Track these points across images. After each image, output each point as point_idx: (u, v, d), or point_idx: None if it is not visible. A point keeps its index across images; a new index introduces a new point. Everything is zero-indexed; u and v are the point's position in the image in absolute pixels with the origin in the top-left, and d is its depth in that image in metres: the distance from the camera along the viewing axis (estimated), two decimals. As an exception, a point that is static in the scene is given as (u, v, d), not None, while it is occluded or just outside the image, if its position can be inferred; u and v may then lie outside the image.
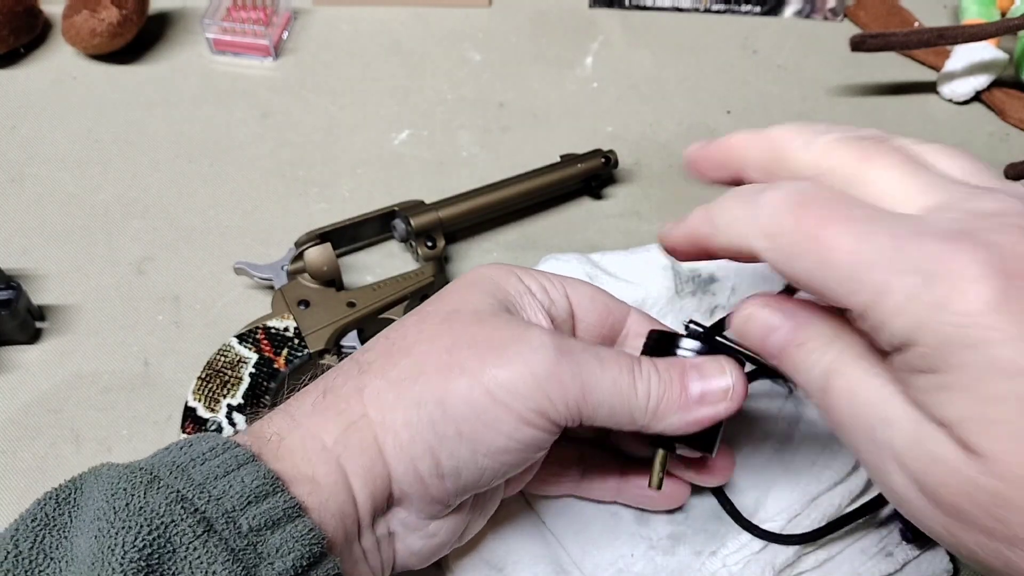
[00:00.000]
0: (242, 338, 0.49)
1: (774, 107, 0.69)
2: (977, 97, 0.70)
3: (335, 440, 0.33)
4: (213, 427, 0.45)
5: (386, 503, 0.34)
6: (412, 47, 0.73)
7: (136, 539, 0.28)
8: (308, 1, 0.75)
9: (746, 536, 0.43)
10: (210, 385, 0.47)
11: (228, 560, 0.29)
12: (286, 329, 0.50)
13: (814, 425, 0.47)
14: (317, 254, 0.51)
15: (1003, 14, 0.72)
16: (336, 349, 0.51)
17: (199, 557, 0.28)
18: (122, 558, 0.27)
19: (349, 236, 0.57)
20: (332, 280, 0.52)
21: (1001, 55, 0.68)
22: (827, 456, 0.46)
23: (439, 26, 0.74)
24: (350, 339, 0.51)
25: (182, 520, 0.29)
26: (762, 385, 0.49)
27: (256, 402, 0.47)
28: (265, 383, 0.48)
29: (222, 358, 0.48)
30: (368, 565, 0.35)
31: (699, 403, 0.35)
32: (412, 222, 0.55)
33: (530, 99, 0.69)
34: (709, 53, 0.74)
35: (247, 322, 0.51)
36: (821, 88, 0.71)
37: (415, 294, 0.53)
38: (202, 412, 0.46)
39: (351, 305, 0.52)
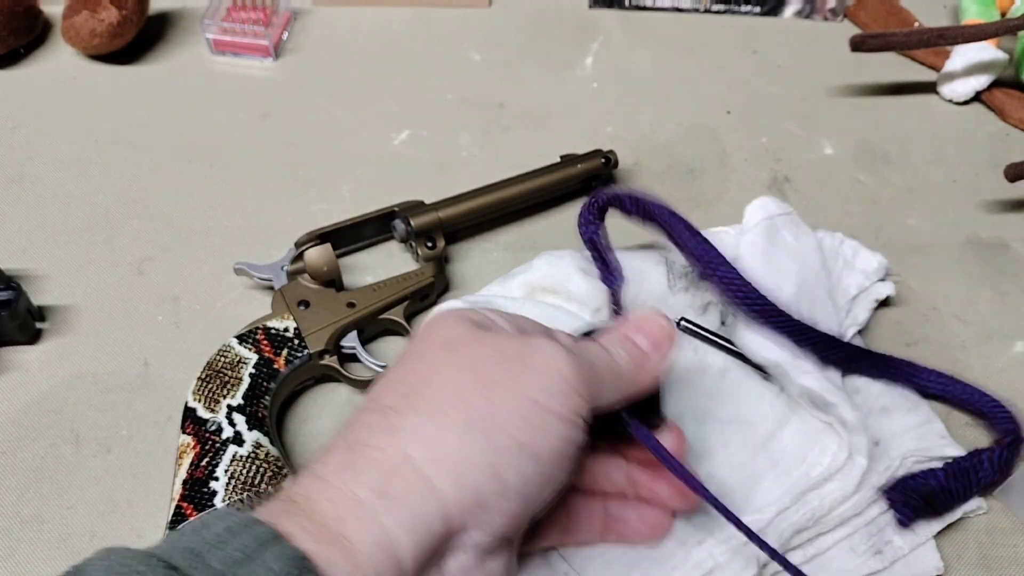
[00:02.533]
0: (242, 338, 0.49)
1: (774, 107, 0.69)
2: (977, 97, 0.70)
3: (372, 491, 0.31)
4: (213, 427, 0.45)
5: (438, 545, 0.32)
6: (412, 47, 0.73)
7: None
8: (308, 1, 0.75)
9: (732, 528, 0.43)
10: (210, 385, 0.47)
11: None
12: (286, 329, 0.50)
13: (805, 422, 0.47)
14: (317, 254, 0.51)
15: (1003, 14, 0.72)
16: (336, 349, 0.51)
17: None
18: None
19: (349, 236, 0.57)
20: (332, 280, 0.52)
21: (1001, 55, 0.68)
22: (816, 452, 0.46)
23: (439, 26, 0.74)
24: (350, 339, 0.51)
25: None
26: (752, 383, 0.49)
27: (256, 403, 0.47)
28: (265, 383, 0.48)
29: (222, 358, 0.48)
30: None
31: (654, 352, 0.39)
32: (412, 222, 0.55)
33: (530, 99, 0.69)
34: (709, 53, 0.74)
35: (247, 322, 0.51)
36: (821, 88, 0.71)
37: (415, 294, 0.53)
38: (202, 412, 0.46)
39: (351, 305, 0.52)
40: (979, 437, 0.50)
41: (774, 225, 0.52)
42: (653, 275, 0.51)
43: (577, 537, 0.42)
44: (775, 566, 0.43)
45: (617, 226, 0.61)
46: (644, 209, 0.48)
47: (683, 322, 0.50)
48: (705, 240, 0.46)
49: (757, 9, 0.77)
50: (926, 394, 0.50)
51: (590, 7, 0.77)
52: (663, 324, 0.40)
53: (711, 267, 0.46)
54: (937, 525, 0.45)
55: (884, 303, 0.56)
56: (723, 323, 0.51)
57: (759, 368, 0.49)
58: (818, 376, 0.46)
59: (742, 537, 0.42)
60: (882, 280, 0.55)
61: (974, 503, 0.46)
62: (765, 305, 0.46)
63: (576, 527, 0.41)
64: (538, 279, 0.51)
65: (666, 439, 0.39)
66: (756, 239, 0.51)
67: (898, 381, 0.50)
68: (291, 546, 0.28)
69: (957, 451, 0.47)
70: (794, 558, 0.43)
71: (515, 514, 0.33)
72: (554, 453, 0.33)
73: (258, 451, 0.44)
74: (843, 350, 0.48)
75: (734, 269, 0.46)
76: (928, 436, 0.48)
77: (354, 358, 0.52)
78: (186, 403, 0.46)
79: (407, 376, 0.35)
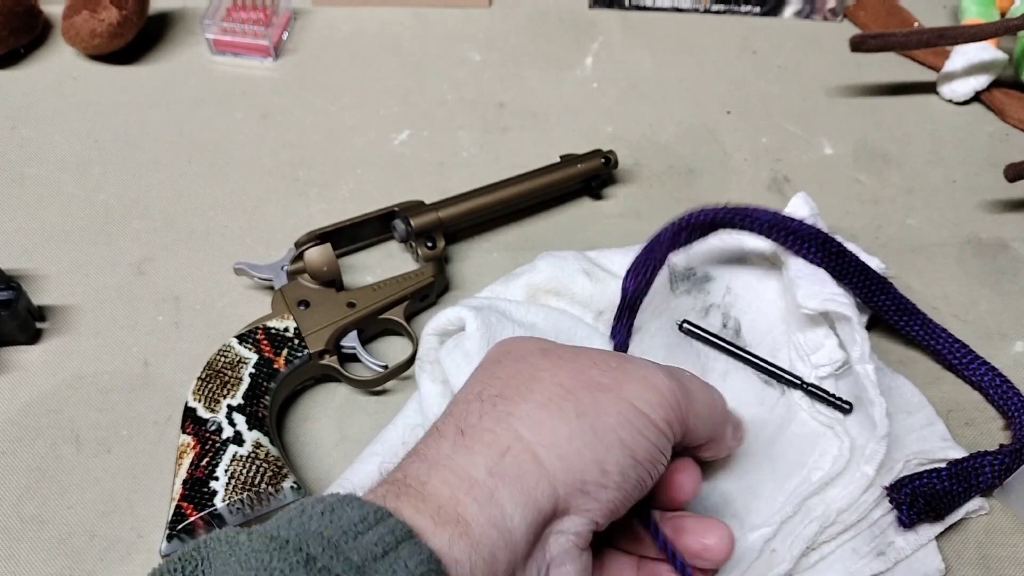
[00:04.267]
0: (242, 338, 0.49)
1: (774, 107, 0.69)
2: (977, 97, 0.70)
3: (488, 471, 0.32)
4: (213, 427, 0.45)
5: (545, 525, 0.33)
6: (412, 47, 0.73)
7: None
8: (308, 1, 0.75)
9: (742, 546, 0.43)
10: (210, 385, 0.47)
11: None
12: (286, 329, 0.50)
13: (805, 425, 0.47)
14: (317, 254, 0.51)
15: (1003, 14, 0.72)
16: (336, 349, 0.51)
17: None
18: None
19: (349, 236, 0.57)
20: (332, 280, 0.52)
21: (1001, 55, 0.68)
22: (817, 456, 0.46)
23: (439, 26, 0.74)
24: (350, 339, 0.51)
25: None
26: (754, 384, 0.49)
27: (256, 402, 0.47)
28: (265, 383, 0.48)
29: (222, 358, 0.48)
30: None
31: (738, 427, 0.43)
32: (412, 222, 0.55)
33: (530, 99, 0.69)
34: (709, 53, 0.74)
35: (247, 322, 0.51)
36: (821, 88, 0.71)
37: (415, 294, 0.53)
38: (202, 412, 0.46)
39: (351, 305, 0.52)
40: (978, 437, 0.50)
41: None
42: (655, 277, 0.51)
43: None
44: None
45: (619, 227, 0.61)
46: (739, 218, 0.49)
47: (685, 324, 0.50)
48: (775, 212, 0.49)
49: (757, 9, 0.77)
50: (948, 366, 0.52)
51: (590, 7, 0.77)
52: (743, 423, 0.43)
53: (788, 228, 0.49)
54: (939, 526, 0.45)
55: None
56: (725, 326, 0.51)
57: (761, 370, 0.49)
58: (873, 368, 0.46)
59: (751, 556, 0.42)
60: None
61: (976, 503, 0.46)
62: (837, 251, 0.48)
63: None
64: (541, 281, 0.51)
65: (685, 477, 0.39)
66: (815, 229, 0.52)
67: (927, 341, 0.52)
68: (426, 545, 0.29)
69: (959, 453, 0.47)
70: (800, 564, 0.43)
71: (611, 506, 0.34)
72: (648, 457, 0.35)
73: (258, 451, 0.44)
74: (891, 296, 0.51)
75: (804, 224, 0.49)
76: (930, 438, 0.48)
77: (354, 358, 0.52)
78: (186, 403, 0.46)
79: (512, 373, 0.36)
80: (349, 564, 0.27)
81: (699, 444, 0.39)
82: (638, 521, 0.39)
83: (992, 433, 0.51)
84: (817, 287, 0.48)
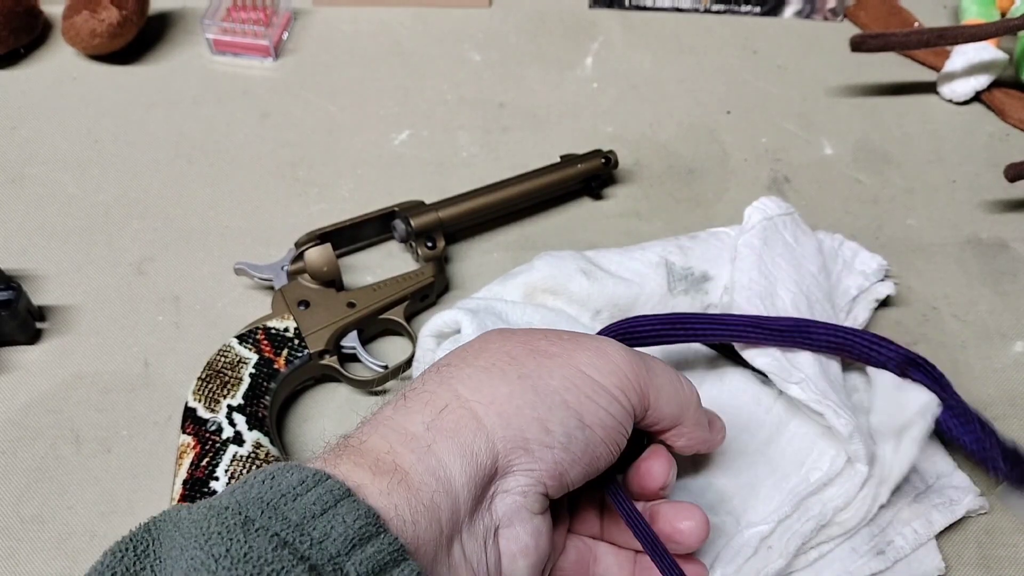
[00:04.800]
0: (242, 338, 0.49)
1: (774, 107, 0.69)
2: (977, 97, 0.70)
3: (425, 426, 0.33)
4: (213, 427, 0.45)
5: (487, 481, 0.33)
6: (412, 47, 0.73)
7: None
8: (308, 1, 0.75)
9: (737, 543, 0.43)
10: (210, 385, 0.47)
11: None
12: (286, 329, 0.50)
13: (804, 425, 0.47)
14: (317, 254, 0.51)
15: (1003, 14, 0.72)
16: (336, 349, 0.51)
17: None
18: None
19: (349, 236, 0.57)
20: (332, 280, 0.52)
21: (1001, 55, 0.68)
22: (815, 456, 0.46)
23: (439, 26, 0.74)
24: (350, 339, 0.51)
25: (292, 568, 0.26)
26: (750, 386, 0.49)
27: (256, 403, 0.47)
28: (265, 383, 0.48)
29: (222, 358, 0.48)
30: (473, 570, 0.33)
31: (715, 427, 0.42)
32: (412, 222, 0.55)
33: (530, 99, 0.69)
34: (709, 53, 0.74)
35: (247, 322, 0.51)
36: (821, 88, 0.71)
37: (415, 294, 0.53)
38: (202, 412, 0.46)
39: (351, 305, 0.52)
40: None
41: (773, 226, 0.52)
42: (653, 277, 0.51)
43: (611, 536, 0.41)
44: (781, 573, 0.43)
45: (619, 227, 0.61)
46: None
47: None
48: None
49: (757, 9, 0.77)
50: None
51: (590, 7, 0.77)
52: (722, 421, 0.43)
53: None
54: (939, 526, 0.45)
55: (884, 303, 0.56)
56: None
57: (757, 372, 0.49)
58: (809, 384, 0.45)
59: (748, 552, 0.42)
60: (882, 281, 0.55)
61: (977, 502, 0.46)
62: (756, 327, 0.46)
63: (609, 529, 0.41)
64: (538, 280, 0.51)
65: (655, 464, 0.39)
66: (753, 240, 0.51)
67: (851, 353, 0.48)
68: (363, 502, 0.29)
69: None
70: (797, 562, 0.43)
71: (559, 468, 0.34)
72: (599, 421, 0.35)
73: (258, 451, 0.44)
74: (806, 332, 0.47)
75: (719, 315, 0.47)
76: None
77: (354, 358, 0.52)
78: (186, 403, 0.46)
79: (465, 348, 0.37)
80: (287, 523, 0.28)
81: (667, 427, 0.39)
82: (610, 500, 0.39)
83: (992, 433, 0.51)
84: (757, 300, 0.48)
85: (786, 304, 0.48)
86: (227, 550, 0.26)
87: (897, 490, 0.44)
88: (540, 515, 0.35)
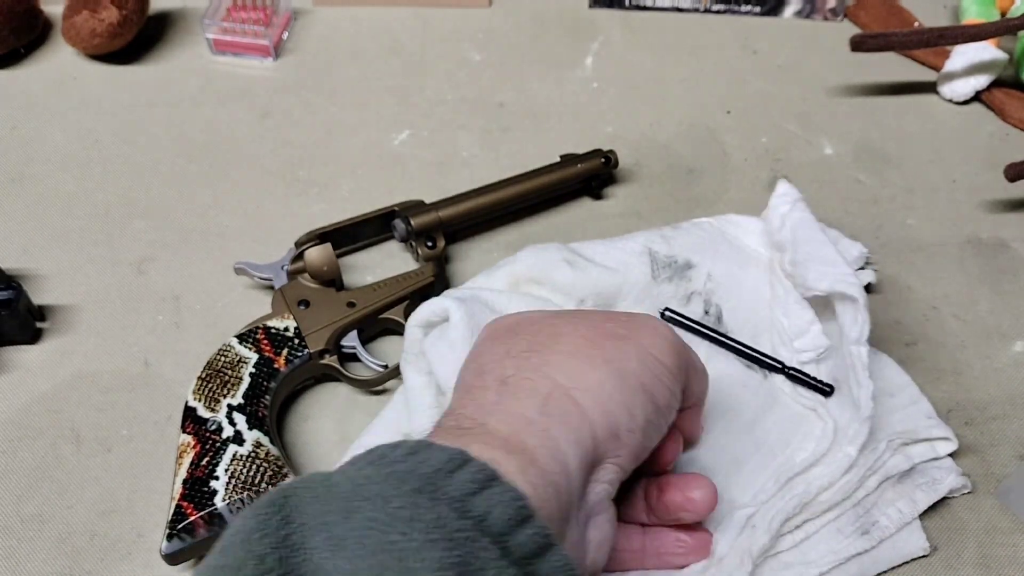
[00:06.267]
0: (242, 338, 0.49)
1: (774, 107, 0.69)
2: (977, 97, 0.70)
3: (538, 411, 0.33)
4: (213, 426, 0.45)
5: (592, 469, 0.34)
6: (412, 47, 0.73)
7: (446, 557, 0.25)
8: (308, 1, 0.75)
9: (724, 522, 0.43)
10: (210, 385, 0.47)
11: None
12: (286, 329, 0.50)
13: (788, 408, 0.48)
14: (317, 254, 0.51)
15: (1003, 14, 0.72)
16: (336, 349, 0.51)
17: None
18: None
19: (349, 236, 0.57)
20: (332, 280, 0.52)
21: (1001, 55, 0.68)
22: (800, 437, 0.46)
23: (439, 26, 0.74)
24: (350, 339, 0.51)
25: (478, 539, 0.26)
26: (736, 368, 0.49)
27: (256, 402, 0.47)
28: (265, 383, 0.48)
29: (222, 358, 0.48)
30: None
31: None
32: (412, 222, 0.55)
33: (530, 99, 0.69)
34: (709, 53, 0.74)
35: (247, 322, 0.51)
36: (821, 88, 0.71)
37: (415, 294, 0.53)
38: (202, 412, 0.46)
39: (351, 305, 0.52)
40: (978, 437, 0.50)
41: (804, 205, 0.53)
42: (637, 265, 0.51)
43: (616, 565, 0.41)
44: (769, 559, 0.43)
45: (619, 227, 0.61)
46: None
47: (667, 312, 0.51)
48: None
49: (757, 9, 0.77)
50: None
51: (590, 7, 0.77)
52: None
53: None
54: (923, 505, 0.46)
55: (884, 303, 0.56)
56: (706, 312, 0.52)
57: (743, 356, 0.50)
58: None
59: (734, 532, 0.42)
60: (862, 268, 0.55)
61: (959, 481, 0.47)
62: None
63: (616, 555, 0.41)
64: (523, 270, 0.51)
65: (670, 442, 0.40)
66: (806, 214, 0.52)
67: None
68: (514, 487, 0.29)
69: (944, 432, 0.47)
70: (783, 543, 0.44)
71: (636, 451, 0.35)
72: (666, 402, 0.37)
73: (258, 450, 0.44)
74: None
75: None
76: (914, 416, 0.48)
77: (354, 358, 0.52)
78: (186, 402, 0.46)
79: (534, 332, 0.37)
80: (450, 497, 0.27)
81: (688, 405, 0.41)
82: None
83: (992, 433, 0.51)
84: (828, 268, 0.48)
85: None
86: (412, 516, 0.26)
87: (881, 469, 0.45)
88: (612, 503, 0.36)
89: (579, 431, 0.33)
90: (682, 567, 0.42)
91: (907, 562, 0.45)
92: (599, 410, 0.34)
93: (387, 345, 0.54)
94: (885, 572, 0.45)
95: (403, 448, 0.30)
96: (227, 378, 0.47)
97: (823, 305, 0.50)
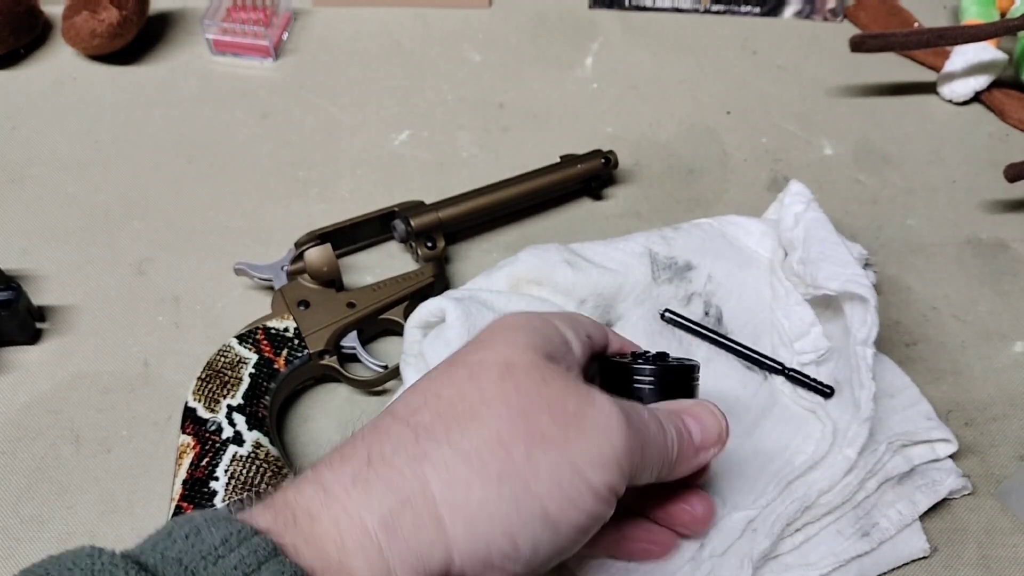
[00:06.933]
0: (242, 338, 0.49)
1: (774, 107, 0.69)
2: (977, 98, 0.70)
3: (381, 521, 0.30)
4: (213, 427, 0.45)
5: None
6: (412, 47, 0.73)
7: None
8: (308, 1, 0.75)
9: (724, 525, 0.43)
10: (210, 385, 0.47)
11: None
12: (286, 330, 0.50)
13: (788, 409, 0.48)
14: (317, 254, 0.51)
15: (1003, 14, 0.72)
16: (336, 349, 0.51)
17: None
18: None
19: (349, 236, 0.57)
20: (332, 280, 0.52)
21: (1001, 55, 0.68)
22: (800, 440, 0.46)
23: (439, 26, 0.74)
24: (350, 339, 0.51)
25: None
26: (736, 369, 0.49)
27: (256, 403, 0.47)
28: (265, 383, 0.48)
29: (222, 358, 0.48)
30: None
31: (701, 448, 0.38)
32: (412, 222, 0.55)
33: (530, 99, 0.69)
34: (709, 53, 0.74)
35: (247, 322, 0.51)
36: (821, 88, 0.71)
37: (415, 295, 0.53)
38: (202, 412, 0.46)
39: (351, 305, 0.52)
40: (978, 437, 0.50)
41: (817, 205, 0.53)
42: (637, 267, 0.51)
43: (586, 550, 0.40)
44: (769, 562, 0.43)
45: (619, 227, 0.61)
46: None
47: (667, 313, 0.51)
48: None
49: (757, 9, 0.77)
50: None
51: (590, 7, 0.77)
52: (718, 422, 0.38)
53: None
54: (923, 506, 0.46)
55: (884, 304, 0.56)
56: (707, 314, 0.52)
57: (743, 357, 0.50)
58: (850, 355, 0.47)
59: (735, 533, 0.42)
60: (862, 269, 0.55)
61: (959, 483, 0.47)
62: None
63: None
64: (523, 271, 0.51)
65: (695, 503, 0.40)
66: (820, 214, 0.52)
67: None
68: (290, 562, 0.27)
69: (944, 433, 0.47)
70: (783, 545, 0.44)
71: (530, 569, 0.32)
72: (575, 528, 0.32)
73: (258, 451, 0.44)
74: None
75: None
76: (914, 419, 0.48)
77: (354, 358, 0.52)
78: (186, 403, 0.46)
79: (453, 394, 0.33)
80: None
81: (645, 484, 0.37)
82: None
83: (992, 433, 0.51)
84: (839, 268, 0.48)
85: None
86: None
87: (880, 472, 0.45)
88: None
89: (427, 555, 0.30)
90: (646, 559, 0.42)
91: (907, 563, 0.45)
92: (466, 534, 0.30)
93: (387, 346, 0.54)
94: (885, 573, 0.45)
95: (191, 524, 0.28)
96: (227, 379, 0.47)
97: (823, 306, 0.50)
